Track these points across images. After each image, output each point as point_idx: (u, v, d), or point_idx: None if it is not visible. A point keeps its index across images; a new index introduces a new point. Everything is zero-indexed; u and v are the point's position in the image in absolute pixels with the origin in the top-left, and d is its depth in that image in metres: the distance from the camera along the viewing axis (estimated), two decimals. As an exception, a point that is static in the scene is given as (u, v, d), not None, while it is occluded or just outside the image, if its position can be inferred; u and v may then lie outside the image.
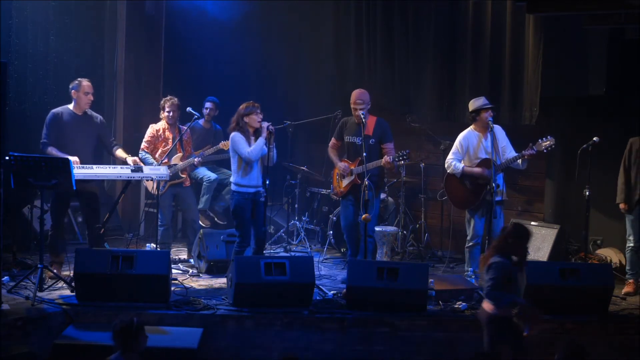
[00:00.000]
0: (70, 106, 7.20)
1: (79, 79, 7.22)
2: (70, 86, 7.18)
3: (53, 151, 6.97)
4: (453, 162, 7.27)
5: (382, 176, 7.43)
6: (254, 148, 6.74)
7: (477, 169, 7.15)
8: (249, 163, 6.76)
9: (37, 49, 8.64)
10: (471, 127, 7.32)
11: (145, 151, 7.84)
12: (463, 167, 7.23)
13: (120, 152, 7.33)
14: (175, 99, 7.91)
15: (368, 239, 7.01)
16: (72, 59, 8.94)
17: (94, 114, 7.36)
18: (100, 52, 9.49)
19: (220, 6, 9.69)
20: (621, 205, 7.32)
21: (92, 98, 7.22)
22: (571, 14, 7.26)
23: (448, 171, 7.37)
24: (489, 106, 7.19)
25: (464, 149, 7.27)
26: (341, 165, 7.34)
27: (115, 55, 9.60)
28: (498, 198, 7.05)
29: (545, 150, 6.93)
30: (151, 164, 7.61)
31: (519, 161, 7.06)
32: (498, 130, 7.19)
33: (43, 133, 7.07)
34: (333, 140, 7.50)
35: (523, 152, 6.98)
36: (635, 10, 6.52)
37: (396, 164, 7.02)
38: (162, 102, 7.97)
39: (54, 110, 7.16)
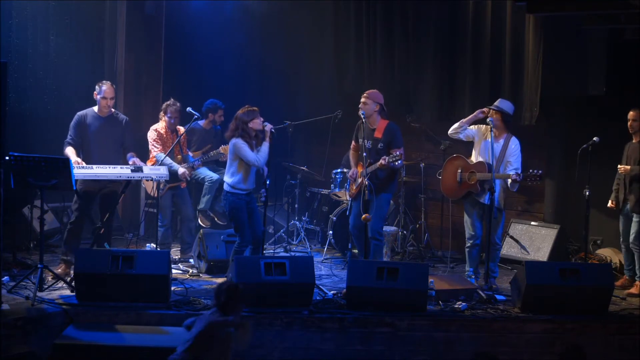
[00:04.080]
0: (95, 108, 7.21)
1: (101, 82, 7.23)
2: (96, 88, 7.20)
3: (68, 152, 7.00)
4: (458, 124, 7.27)
5: (389, 179, 7.17)
6: (262, 155, 6.76)
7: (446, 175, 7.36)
8: (250, 167, 6.79)
9: (37, 49, 8.64)
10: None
11: (162, 154, 7.75)
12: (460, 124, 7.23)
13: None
14: (178, 105, 7.89)
15: (373, 241, 6.98)
16: (72, 59, 8.93)
17: (121, 115, 7.37)
18: (100, 52, 9.49)
19: (221, 6, 9.69)
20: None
21: (109, 103, 7.18)
22: (571, 14, 7.27)
23: (449, 131, 7.36)
24: (484, 108, 7.23)
25: (473, 132, 7.26)
26: (351, 171, 7.36)
27: (115, 55, 9.59)
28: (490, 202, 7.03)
29: (529, 182, 6.97)
30: (171, 164, 7.63)
31: (509, 181, 7.02)
32: (513, 142, 7.13)
33: (68, 133, 7.14)
34: (353, 143, 7.42)
35: (512, 174, 6.94)
36: (635, 10, 6.52)
37: (392, 165, 6.89)
38: (164, 105, 7.94)
39: (79, 113, 7.20)
